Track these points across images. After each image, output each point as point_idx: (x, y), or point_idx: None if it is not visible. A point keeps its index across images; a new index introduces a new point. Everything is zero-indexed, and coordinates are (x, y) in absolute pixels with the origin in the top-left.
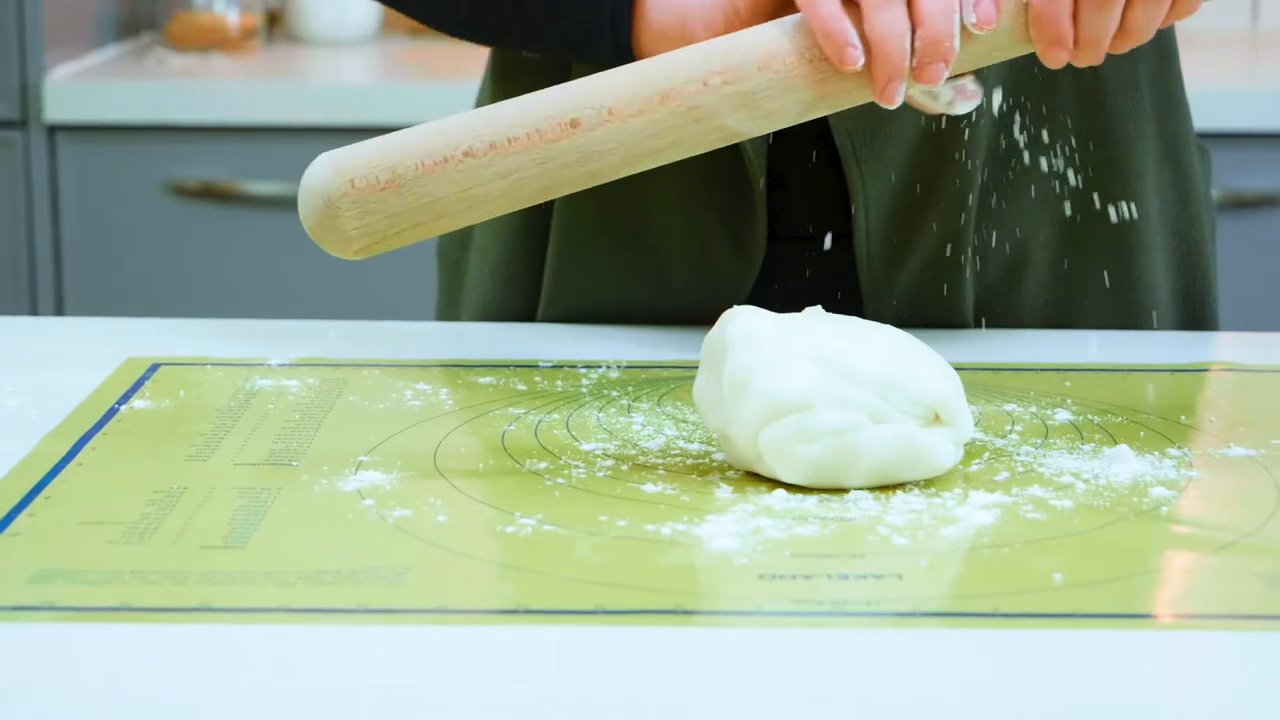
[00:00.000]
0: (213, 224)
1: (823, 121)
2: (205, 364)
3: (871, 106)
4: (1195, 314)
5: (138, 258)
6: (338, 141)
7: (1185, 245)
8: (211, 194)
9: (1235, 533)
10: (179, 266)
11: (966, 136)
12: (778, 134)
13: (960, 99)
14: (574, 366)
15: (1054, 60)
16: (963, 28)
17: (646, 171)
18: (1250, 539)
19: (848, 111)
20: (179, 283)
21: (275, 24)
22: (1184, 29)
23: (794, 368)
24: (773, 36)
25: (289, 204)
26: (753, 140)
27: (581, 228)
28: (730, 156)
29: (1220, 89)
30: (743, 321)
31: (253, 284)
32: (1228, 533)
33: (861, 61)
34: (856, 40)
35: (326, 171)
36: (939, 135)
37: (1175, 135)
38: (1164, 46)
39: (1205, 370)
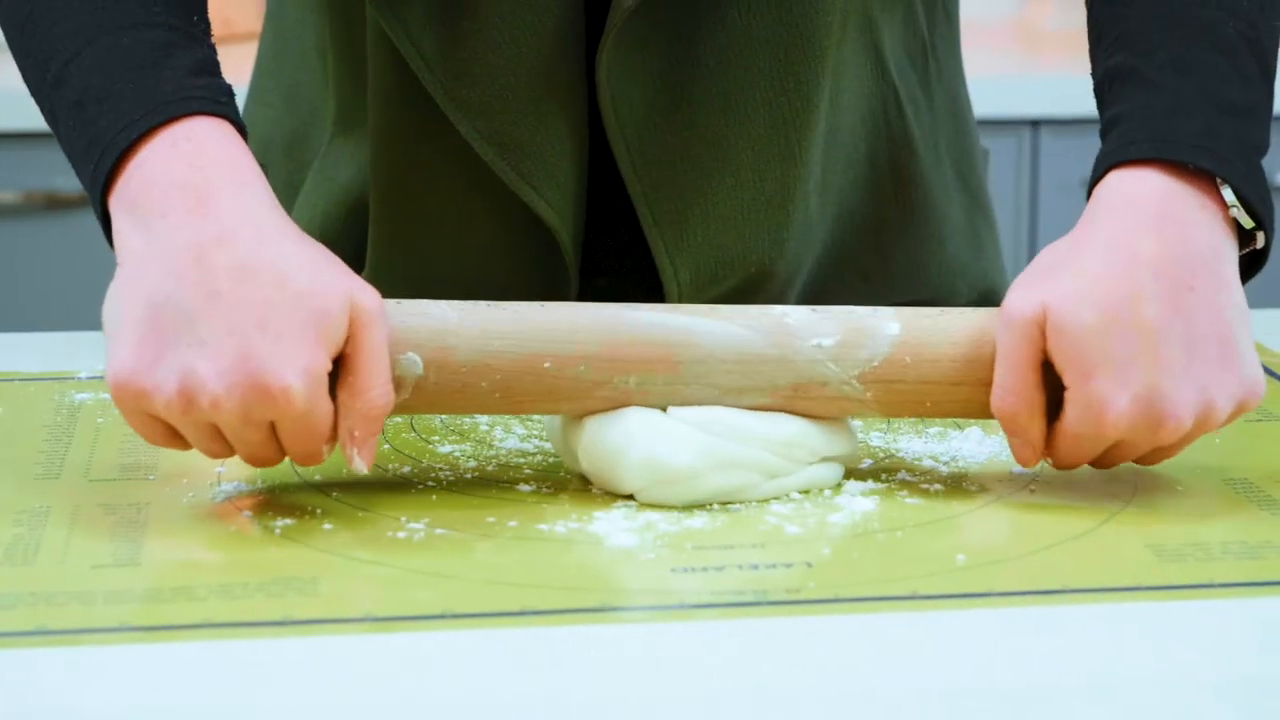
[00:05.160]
0: None
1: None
2: (12, 379)
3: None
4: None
5: None
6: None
7: (985, 266)
8: None
9: (1107, 509)
10: None
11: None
12: (590, 226)
13: None
14: None
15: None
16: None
17: (458, 219)
18: (1125, 513)
19: (657, 206)
20: None
21: None
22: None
23: (676, 434)
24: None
25: None
26: (567, 228)
27: (395, 250)
28: (546, 227)
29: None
30: None
31: None
32: (1100, 509)
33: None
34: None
35: None
36: (753, 213)
37: (965, 152)
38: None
39: None
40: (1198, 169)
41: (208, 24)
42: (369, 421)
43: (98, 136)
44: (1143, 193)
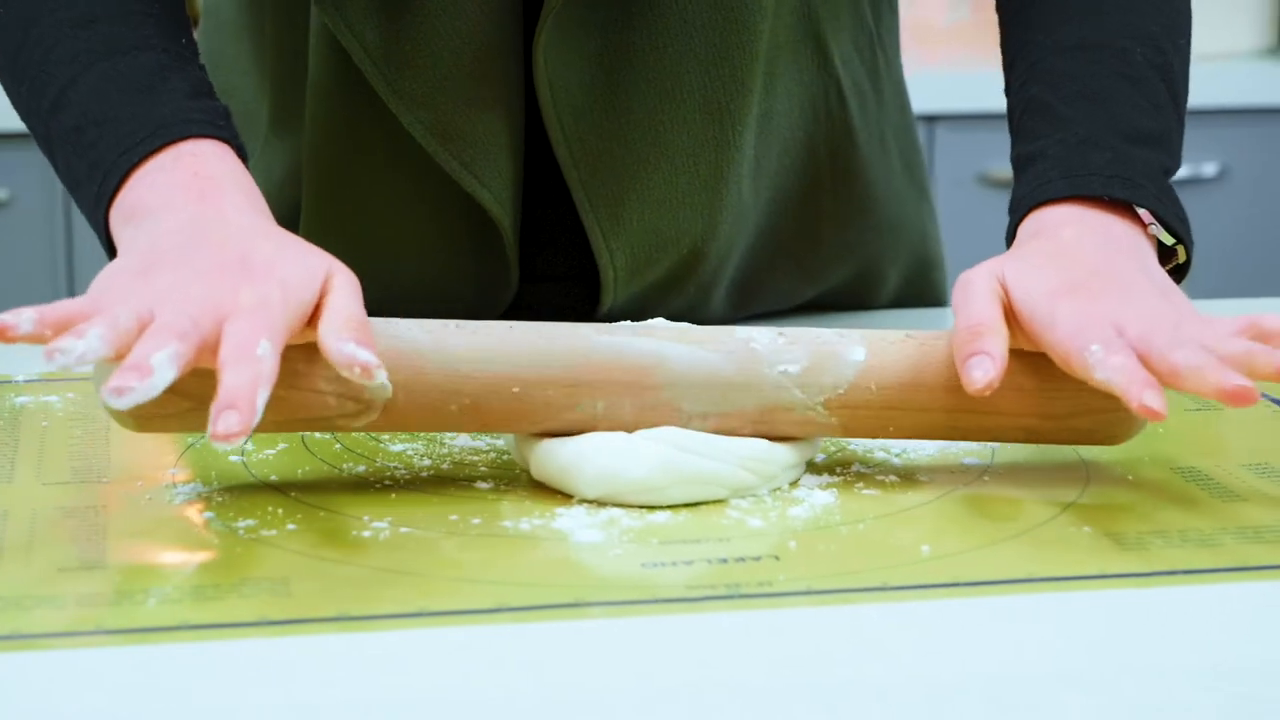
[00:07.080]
0: None
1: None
2: None
3: (615, 187)
4: (923, 298)
5: None
6: None
7: (924, 249)
8: None
9: (1061, 499)
10: None
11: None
12: (526, 217)
13: None
14: None
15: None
16: None
17: (396, 214)
18: (1079, 504)
19: (594, 191)
20: None
21: None
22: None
23: (632, 447)
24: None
25: None
26: (508, 217)
27: (327, 247)
28: (484, 219)
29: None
30: None
31: None
32: (1054, 499)
33: None
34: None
35: None
36: (688, 195)
37: (911, 142)
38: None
39: None
40: (1112, 199)
41: (195, 45)
42: (349, 323)
43: (98, 160)
44: (1065, 215)
